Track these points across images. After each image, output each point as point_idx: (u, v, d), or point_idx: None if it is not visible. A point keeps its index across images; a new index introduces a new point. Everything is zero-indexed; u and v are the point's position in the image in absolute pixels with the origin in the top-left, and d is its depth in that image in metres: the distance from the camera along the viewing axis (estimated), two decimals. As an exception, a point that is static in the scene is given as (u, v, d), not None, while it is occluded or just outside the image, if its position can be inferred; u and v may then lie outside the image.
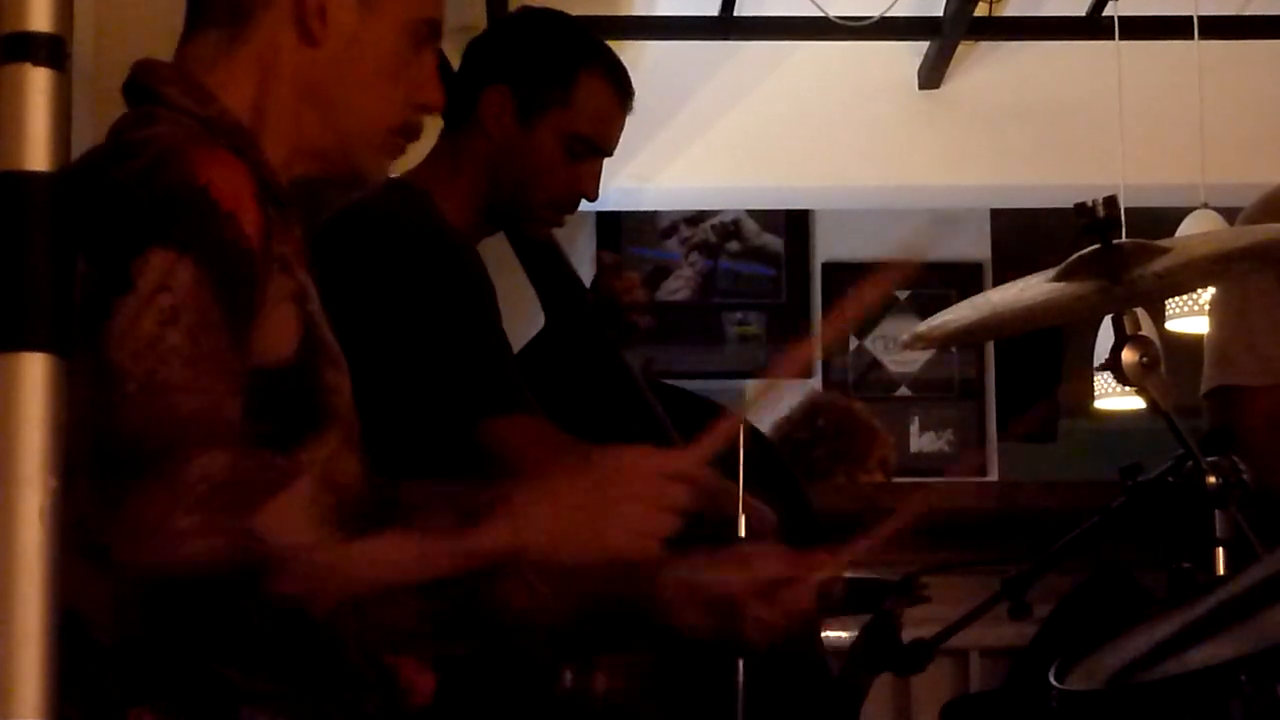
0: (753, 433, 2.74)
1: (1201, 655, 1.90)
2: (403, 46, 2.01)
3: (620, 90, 2.87)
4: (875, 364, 8.66)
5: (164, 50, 2.02)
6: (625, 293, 2.95)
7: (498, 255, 2.94)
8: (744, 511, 2.25)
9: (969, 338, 2.54)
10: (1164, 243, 2.38)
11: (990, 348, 8.53)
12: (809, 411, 4.79)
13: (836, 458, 4.62)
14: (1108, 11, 6.79)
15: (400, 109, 2.03)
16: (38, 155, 1.21)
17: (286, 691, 1.79)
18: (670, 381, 3.18)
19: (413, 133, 2.07)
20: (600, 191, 2.89)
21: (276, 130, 1.95)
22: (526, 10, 3.00)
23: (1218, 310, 3.27)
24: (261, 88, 1.95)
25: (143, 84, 1.95)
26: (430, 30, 2.05)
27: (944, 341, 2.65)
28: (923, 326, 2.56)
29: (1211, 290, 4.06)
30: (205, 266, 1.74)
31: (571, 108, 2.82)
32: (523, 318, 2.93)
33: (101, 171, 1.79)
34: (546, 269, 2.95)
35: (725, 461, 2.26)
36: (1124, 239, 2.35)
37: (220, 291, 1.75)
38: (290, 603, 1.68)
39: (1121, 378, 2.30)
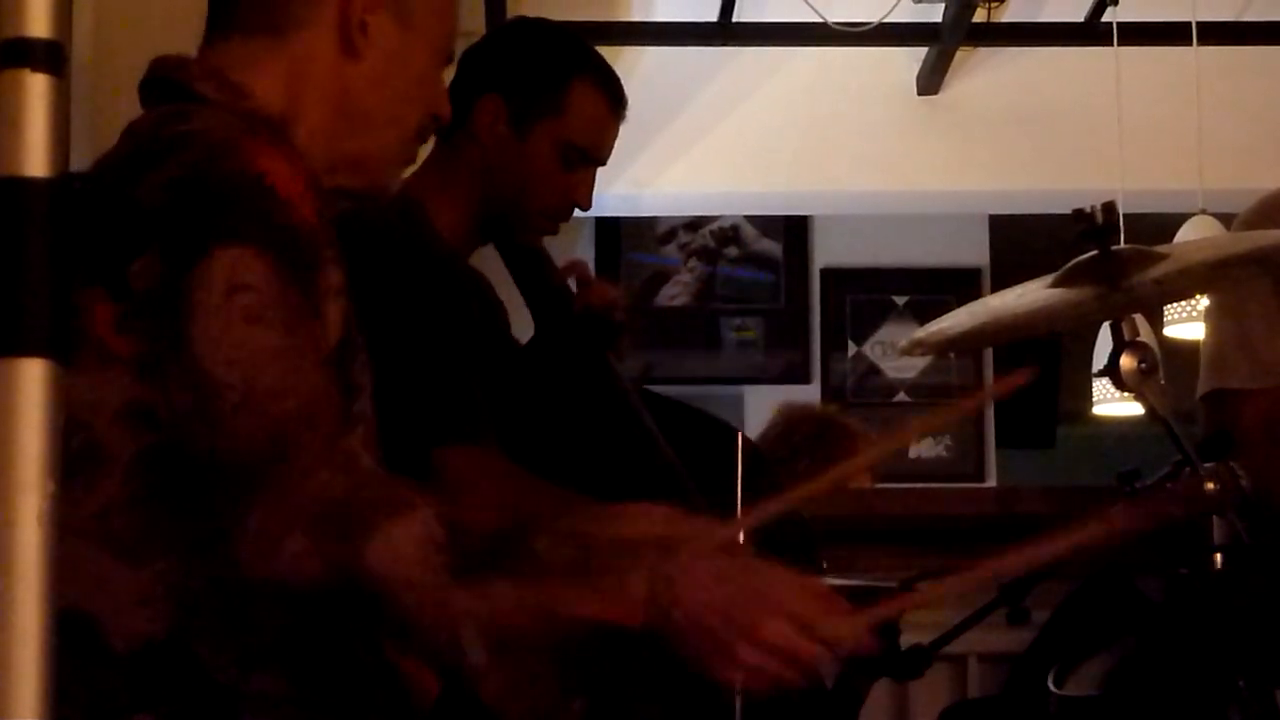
0: (746, 446, 2.73)
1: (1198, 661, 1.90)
2: (431, 63, 2.06)
3: (613, 99, 2.88)
4: (873, 370, 8.66)
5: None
6: (603, 306, 2.94)
7: (493, 264, 2.94)
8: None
9: (967, 344, 2.54)
10: (1162, 249, 2.38)
11: (988, 354, 8.53)
12: (783, 429, 4.74)
13: (820, 469, 4.53)
14: (1106, 17, 6.79)
15: (420, 120, 2.07)
16: (36, 161, 1.22)
17: (291, 694, 1.79)
18: (669, 387, 3.19)
19: (424, 141, 2.09)
20: (598, 197, 2.89)
21: (305, 137, 1.97)
22: (520, 20, 3.01)
23: (1214, 314, 3.28)
24: (294, 95, 1.97)
25: (174, 80, 1.95)
26: (452, 46, 2.10)
27: (942, 348, 2.65)
28: (921, 332, 2.56)
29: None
30: (276, 256, 1.74)
31: (565, 117, 2.83)
32: (512, 326, 2.93)
33: (146, 167, 1.79)
34: (534, 277, 2.95)
35: (719, 475, 2.26)
36: (1122, 245, 2.35)
37: (295, 277, 1.75)
38: (395, 628, 1.69)
39: (1120, 383, 2.30)
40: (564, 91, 2.84)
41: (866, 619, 1.71)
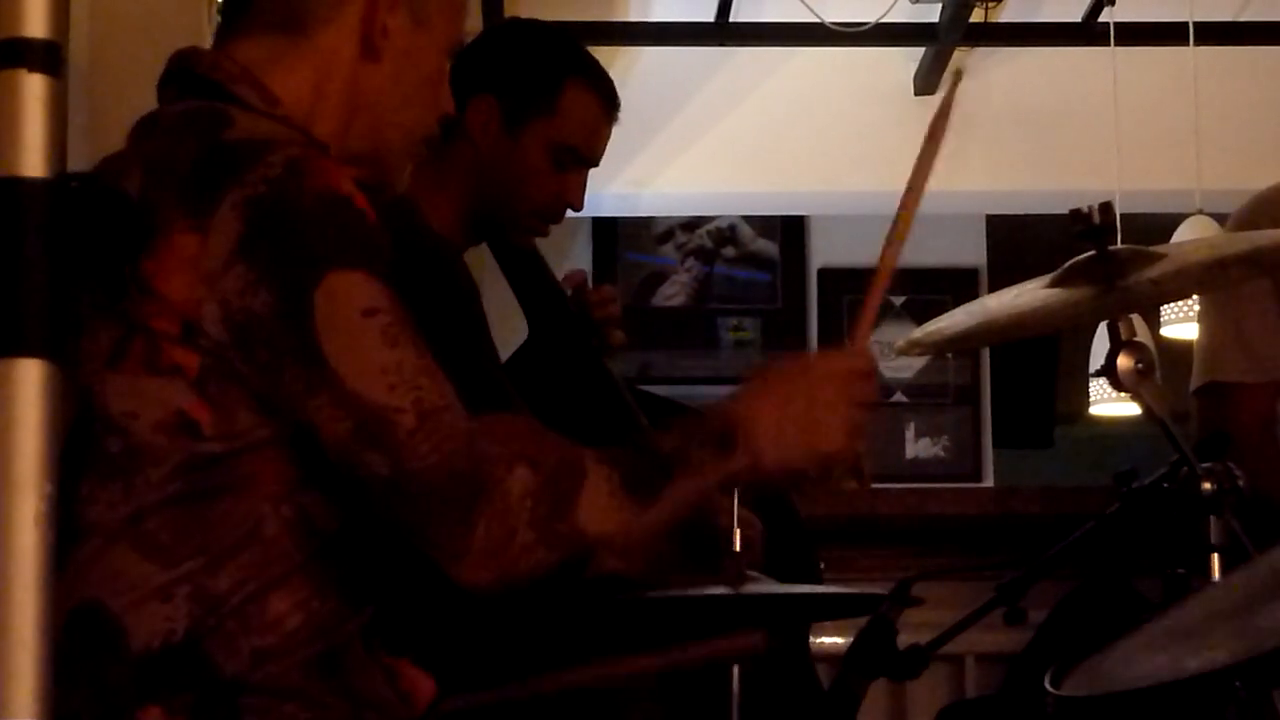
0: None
1: (1197, 661, 1.90)
2: (443, 62, 2.08)
3: (606, 101, 2.88)
4: (871, 370, 8.65)
5: (158, 56, 2.01)
6: (599, 307, 2.94)
7: (485, 264, 2.94)
8: (738, 524, 2.25)
9: (964, 344, 2.54)
10: (1159, 249, 2.38)
11: (985, 354, 8.52)
12: None
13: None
14: (1104, 18, 6.79)
15: (433, 120, 2.09)
16: (34, 161, 1.22)
17: (294, 691, 1.81)
18: (665, 387, 3.18)
19: (433, 141, 2.11)
20: (595, 197, 2.89)
21: (326, 136, 1.97)
22: (513, 21, 3.02)
23: (1209, 309, 3.27)
24: (316, 94, 1.98)
25: (211, 79, 1.95)
26: (460, 46, 2.12)
27: (939, 348, 2.65)
28: (918, 332, 2.56)
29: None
30: (383, 277, 1.81)
31: (557, 118, 2.83)
32: (507, 326, 2.92)
33: (221, 179, 1.79)
34: (528, 278, 2.95)
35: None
36: (1119, 245, 2.35)
37: (399, 294, 1.82)
38: (610, 574, 1.97)
39: (1117, 384, 2.29)
40: (557, 92, 2.84)
41: (865, 332, 2.14)
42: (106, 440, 1.80)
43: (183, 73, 1.98)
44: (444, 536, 1.77)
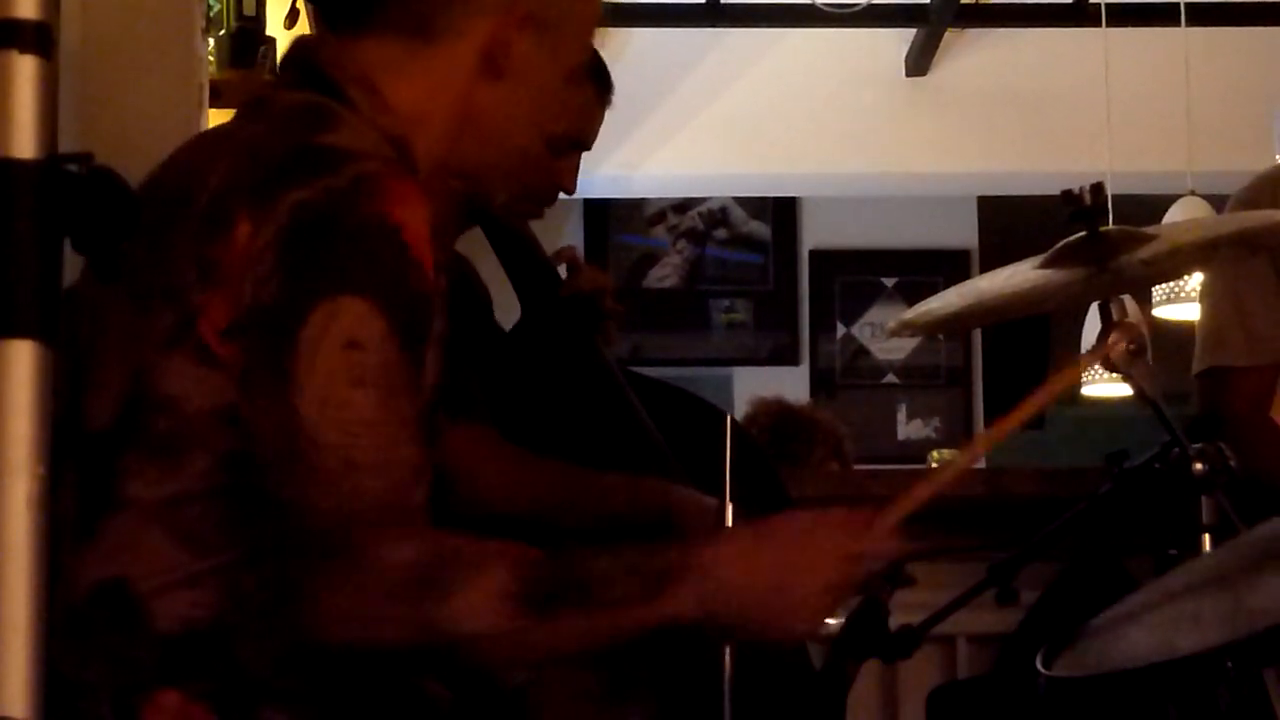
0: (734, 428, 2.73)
1: (1188, 641, 1.90)
2: (561, 86, 2.02)
3: (600, 85, 2.87)
4: (862, 351, 8.67)
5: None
6: (591, 289, 2.94)
7: (478, 246, 2.93)
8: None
9: (956, 325, 2.54)
10: (1150, 230, 2.38)
11: (977, 335, 8.54)
12: (746, 420, 4.73)
13: (777, 460, 4.48)
14: (1095, -2, 6.80)
15: (536, 142, 2.05)
16: (24, 142, 1.21)
17: (314, 695, 1.81)
18: (657, 368, 3.18)
19: (541, 195, 2.07)
20: (587, 179, 2.89)
21: (431, 146, 1.94)
22: None
23: (1210, 292, 3.27)
24: (431, 104, 1.93)
25: (328, 75, 1.92)
26: (582, 70, 2.11)
27: (931, 329, 2.65)
28: (910, 313, 2.56)
29: (1199, 277, 4.06)
30: (395, 320, 1.74)
31: None
32: (499, 307, 2.92)
33: (293, 177, 1.77)
34: (521, 260, 2.95)
35: (706, 458, 2.26)
36: (1110, 226, 2.35)
37: (406, 345, 1.75)
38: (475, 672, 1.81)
39: (1108, 364, 2.29)
40: None
41: (892, 521, 1.91)
42: (155, 419, 1.79)
43: (304, 62, 1.95)
44: (306, 584, 1.71)
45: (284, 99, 1.93)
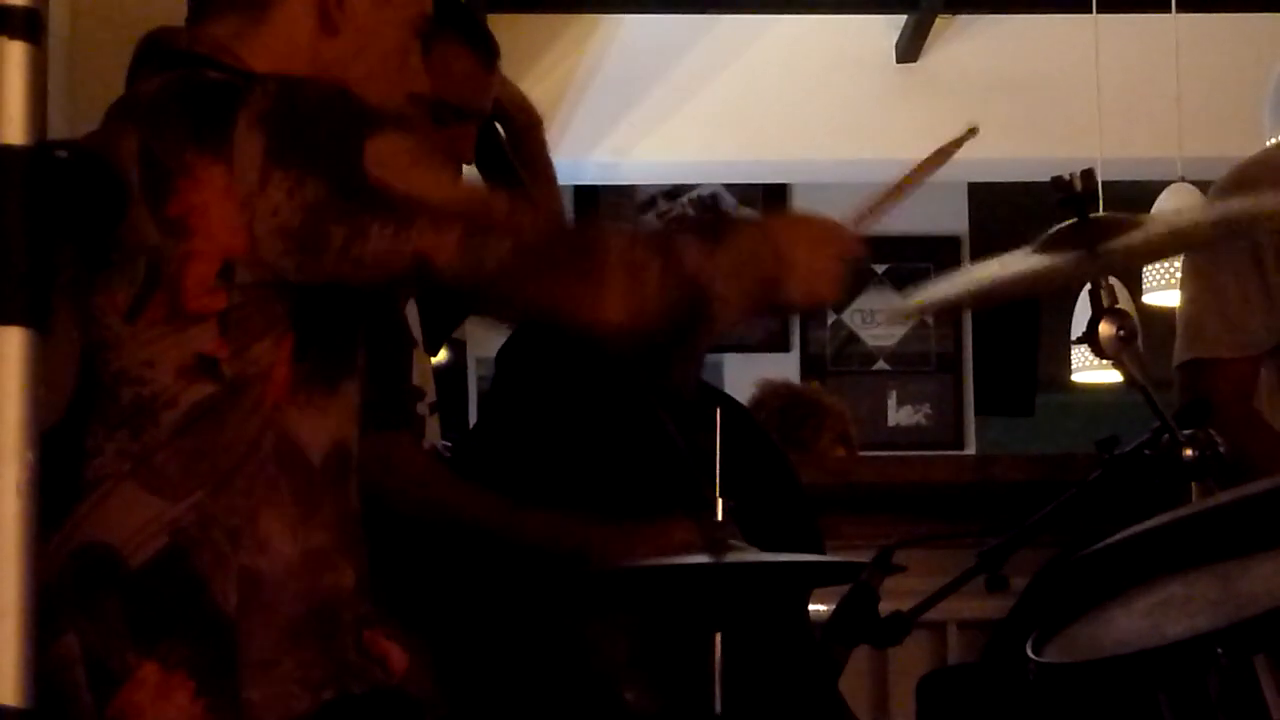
0: (732, 407, 2.74)
1: (1179, 628, 1.90)
2: (407, 38, 2.11)
3: (480, 51, 2.80)
4: (852, 338, 8.67)
5: (139, 24, 2.02)
6: None
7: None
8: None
9: (950, 309, 2.55)
10: (1140, 216, 2.38)
11: (967, 322, 8.54)
12: (755, 403, 4.73)
13: (785, 444, 4.49)
14: (1085, -15, 6.79)
15: (400, 95, 2.13)
16: (14, 129, 1.21)
17: (287, 649, 1.85)
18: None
19: (406, 120, 2.13)
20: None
21: None
22: None
23: (1190, 282, 3.26)
24: (287, 65, 2.02)
25: (193, 53, 2.00)
26: (425, 23, 2.15)
27: (924, 311, 2.65)
28: (908, 302, 2.56)
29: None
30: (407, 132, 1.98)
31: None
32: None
33: (221, 108, 1.87)
34: None
35: (701, 441, 2.26)
36: (1101, 212, 2.35)
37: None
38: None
39: (1098, 351, 2.30)
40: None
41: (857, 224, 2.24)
42: (118, 391, 1.87)
43: (158, 52, 2.03)
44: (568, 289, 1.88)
45: (150, 84, 1.99)
